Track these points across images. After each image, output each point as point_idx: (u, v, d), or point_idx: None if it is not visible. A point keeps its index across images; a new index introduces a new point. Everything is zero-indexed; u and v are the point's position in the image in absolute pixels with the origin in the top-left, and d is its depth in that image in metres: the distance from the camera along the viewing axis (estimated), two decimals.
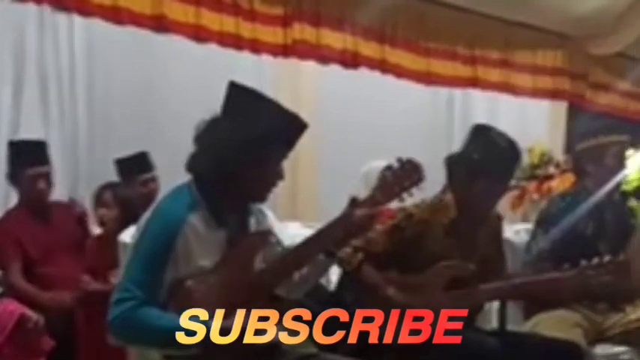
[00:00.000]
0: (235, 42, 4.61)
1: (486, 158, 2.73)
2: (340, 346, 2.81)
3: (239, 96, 2.18)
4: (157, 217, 2.12)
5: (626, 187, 3.80)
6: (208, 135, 2.16)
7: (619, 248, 3.10)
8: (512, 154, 2.81)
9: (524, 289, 2.80)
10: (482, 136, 2.81)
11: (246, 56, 4.82)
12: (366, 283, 2.72)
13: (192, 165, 2.18)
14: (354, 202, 2.28)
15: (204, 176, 2.17)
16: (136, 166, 4.16)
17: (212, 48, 4.61)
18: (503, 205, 5.79)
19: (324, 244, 2.27)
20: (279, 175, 2.23)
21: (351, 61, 5.15)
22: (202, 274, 2.13)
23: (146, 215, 2.15)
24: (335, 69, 5.15)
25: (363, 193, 2.40)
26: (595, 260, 2.62)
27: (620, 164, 3.21)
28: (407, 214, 2.77)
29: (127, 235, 2.73)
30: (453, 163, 2.87)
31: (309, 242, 2.25)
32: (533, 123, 6.47)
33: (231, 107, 2.17)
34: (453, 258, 2.72)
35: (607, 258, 2.62)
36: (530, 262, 3.17)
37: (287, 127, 2.19)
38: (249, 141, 2.11)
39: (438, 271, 2.68)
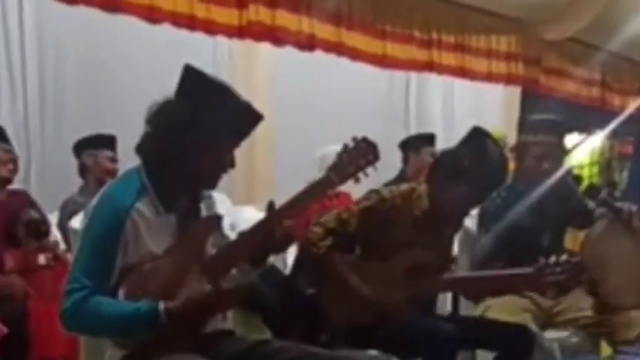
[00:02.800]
0: (189, 22, 4.54)
1: (474, 166, 2.66)
2: (293, 331, 2.82)
3: (194, 80, 2.13)
4: (105, 203, 2.08)
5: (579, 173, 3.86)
6: (160, 117, 2.11)
7: (560, 239, 3.17)
8: (501, 168, 2.76)
9: (482, 283, 2.84)
10: (477, 141, 2.75)
11: (201, 37, 4.77)
12: (331, 270, 2.72)
13: (142, 147, 2.14)
14: (271, 207, 2.25)
15: (154, 160, 2.12)
16: (101, 143, 4.09)
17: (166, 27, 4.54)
18: None
19: (244, 253, 2.25)
20: (230, 163, 2.20)
21: (306, 43, 5.12)
22: (153, 259, 2.10)
23: (94, 201, 2.10)
24: (291, 52, 5.12)
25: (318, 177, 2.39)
26: (552, 259, 2.63)
27: (542, 163, 3.23)
28: (381, 197, 2.75)
29: (77, 221, 2.68)
30: (439, 158, 2.85)
31: (264, 223, 2.23)
32: (488, 108, 6.54)
33: (185, 91, 2.13)
34: (416, 249, 2.72)
35: (563, 257, 2.63)
36: (479, 262, 3.19)
37: (241, 117, 2.16)
38: (201, 127, 2.08)
39: (400, 260, 2.70)
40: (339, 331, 2.73)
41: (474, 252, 3.26)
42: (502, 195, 3.27)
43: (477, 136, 2.79)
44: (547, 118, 3.43)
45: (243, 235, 2.23)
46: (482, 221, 3.28)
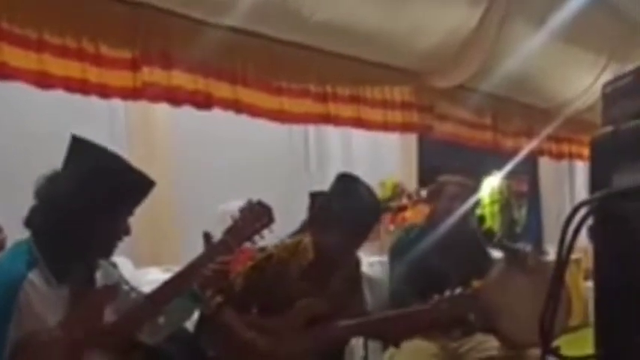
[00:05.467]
0: (82, 87, 4.48)
1: (343, 211, 2.74)
2: None
3: (81, 150, 2.12)
4: None
5: (481, 212, 3.98)
6: (48, 190, 2.08)
7: (471, 277, 3.25)
8: (373, 210, 2.85)
9: (381, 324, 2.86)
10: (344, 186, 2.82)
11: (98, 100, 4.72)
12: (224, 327, 2.69)
13: (31, 221, 2.10)
14: (207, 238, 2.29)
15: (43, 231, 2.09)
16: None
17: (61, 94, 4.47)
18: None
19: (180, 288, 2.25)
20: (124, 231, 2.18)
21: (203, 102, 5.11)
22: (48, 331, 2.04)
23: None
24: (188, 109, 5.12)
25: (220, 234, 2.41)
26: (447, 293, 2.70)
27: (455, 203, 3.34)
28: (267, 255, 2.79)
29: None
30: (315, 206, 2.89)
31: (166, 287, 2.23)
32: (386, 155, 6.70)
33: (72, 161, 2.11)
34: (305, 302, 2.73)
35: (458, 291, 2.71)
36: (393, 296, 3.24)
37: (132, 186, 2.15)
38: (90, 198, 2.06)
39: (296, 311, 2.70)
40: None
41: (384, 296, 3.31)
42: (411, 235, 3.34)
43: (343, 181, 2.86)
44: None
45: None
46: (392, 258, 3.34)
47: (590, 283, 4.31)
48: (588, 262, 3.33)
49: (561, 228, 1.36)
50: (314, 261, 2.82)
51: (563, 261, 1.35)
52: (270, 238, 2.72)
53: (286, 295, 2.74)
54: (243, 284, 2.76)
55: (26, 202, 2.14)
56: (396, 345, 2.96)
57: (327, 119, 6.00)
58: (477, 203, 3.56)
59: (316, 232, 2.83)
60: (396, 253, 3.33)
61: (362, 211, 2.77)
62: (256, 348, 2.65)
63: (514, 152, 7.66)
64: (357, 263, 3.08)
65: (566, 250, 1.34)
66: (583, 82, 7.31)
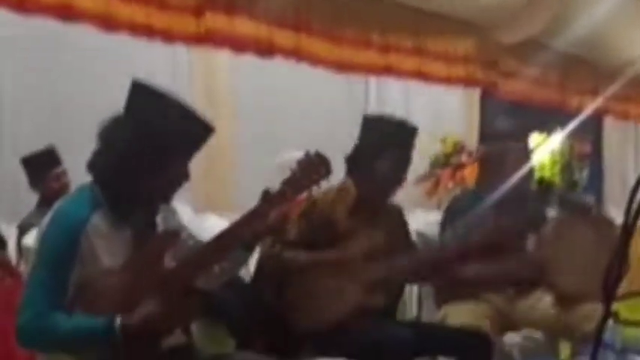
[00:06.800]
0: (147, 31, 4.51)
1: (380, 141, 2.87)
2: (258, 341, 2.82)
3: (142, 95, 2.12)
4: (58, 218, 2.06)
5: (541, 174, 3.91)
6: (111, 133, 2.11)
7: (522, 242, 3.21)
8: (405, 132, 2.94)
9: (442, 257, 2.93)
10: (374, 122, 2.98)
11: (159, 50, 4.75)
12: (292, 264, 2.75)
13: (93, 164, 2.13)
14: (266, 195, 2.29)
15: (106, 176, 2.12)
16: (44, 161, 4.06)
17: (124, 41, 4.51)
18: (418, 193, 5.92)
19: (238, 238, 2.27)
20: (184, 176, 2.20)
21: (265, 49, 5.12)
22: (109, 274, 2.08)
23: (47, 217, 2.08)
24: (250, 60, 5.12)
25: (278, 185, 2.42)
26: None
27: (519, 169, 3.28)
28: (312, 202, 2.82)
29: (30, 238, 2.65)
30: (352, 150, 2.95)
31: (224, 236, 2.24)
32: (447, 112, 6.60)
33: (133, 106, 2.12)
34: (359, 237, 2.78)
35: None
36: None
37: (191, 130, 2.15)
38: (151, 142, 2.07)
39: (354, 245, 2.75)
40: (303, 339, 2.74)
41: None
42: (467, 197, 3.32)
43: (371, 119, 3.03)
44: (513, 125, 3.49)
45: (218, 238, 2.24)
46: (446, 221, 3.31)
47: None
48: None
49: (630, 191, 1.30)
50: (358, 199, 2.88)
51: (631, 222, 1.29)
52: None
53: (336, 237, 2.79)
54: (295, 232, 2.79)
55: (90, 146, 2.17)
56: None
57: (388, 71, 5.94)
58: (536, 166, 3.49)
59: (356, 171, 2.92)
60: (450, 214, 3.30)
61: (392, 135, 2.88)
62: (321, 280, 2.70)
63: (579, 112, 7.47)
64: (399, 211, 3.12)
65: (632, 216, 1.29)
66: None
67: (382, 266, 2.80)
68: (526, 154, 3.35)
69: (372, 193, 2.93)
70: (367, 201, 2.91)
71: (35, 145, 4.19)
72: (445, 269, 2.95)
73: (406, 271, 2.93)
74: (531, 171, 3.41)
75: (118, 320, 1.96)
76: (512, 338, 3.18)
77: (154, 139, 2.07)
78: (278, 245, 2.74)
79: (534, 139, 6.97)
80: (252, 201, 2.34)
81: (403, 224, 3.13)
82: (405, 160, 2.97)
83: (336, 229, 2.83)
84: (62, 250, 2.02)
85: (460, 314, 3.09)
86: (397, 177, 2.97)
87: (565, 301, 3.13)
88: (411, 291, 3.89)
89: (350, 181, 2.93)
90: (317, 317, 2.72)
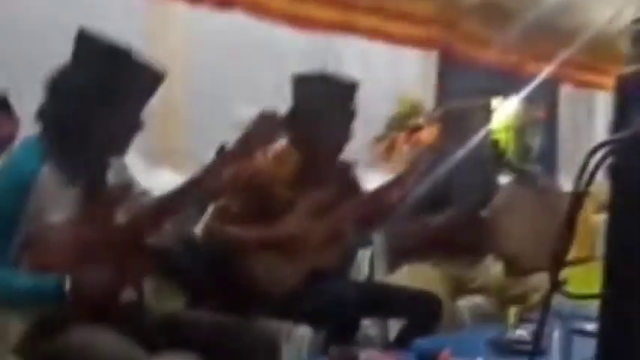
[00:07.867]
0: None
1: (318, 101, 2.81)
2: (208, 301, 2.81)
3: (89, 44, 2.06)
4: (5, 172, 2.01)
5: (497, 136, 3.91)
6: (59, 83, 2.04)
7: (477, 205, 3.24)
8: (343, 88, 2.88)
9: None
10: (309, 81, 2.90)
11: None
12: (235, 241, 2.71)
13: (42, 115, 2.07)
14: (221, 152, 2.27)
15: (55, 127, 2.06)
16: None
17: None
18: (373, 156, 5.91)
19: (192, 194, 2.25)
20: (136, 126, 2.15)
21: (225, 2, 5.01)
22: (58, 230, 2.04)
23: None
24: (209, 13, 5.00)
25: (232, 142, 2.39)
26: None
27: (480, 129, 3.28)
28: (254, 170, 2.76)
29: None
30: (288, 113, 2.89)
31: (177, 192, 2.22)
32: (405, 73, 6.57)
33: (81, 56, 2.06)
34: (304, 202, 2.76)
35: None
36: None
37: (142, 77, 2.10)
38: (100, 91, 2.02)
39: (299, 208, 2.72)
40: (253, 299, 2.74)
41: None
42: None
43: (301, 79, 2.93)
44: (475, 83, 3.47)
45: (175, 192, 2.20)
46: None
47: (600, 217, 4.29)
48: (601, 195, 3.29)
49: (580, 165, 1.30)
50: (301, 163, 2.84)
51: (580, 196, 1.30)
52: None
53: (278, 207, 2.75)
54: (237, 204, 2.74)
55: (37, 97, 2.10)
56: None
57: (347, 28, 5.87)
58: (491, 129, 3.49)
59: (297, 131, 2.82)
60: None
61: (328, 93, 2.82)
62: (266, 252, 2.68)
63: (535, 77, 7.50)
64: (349, 168, 3.07)
65: (584, 185, 1.30)
66: (614, 3, 7.09)
67: (329, 222, 2.76)
68: (488, 113, 3.35)
69: (317, 155, 2.86)
70: (312, 163, 2.84)
71: None
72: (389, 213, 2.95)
73: (353, 219, 2.89)
74: (489, 133, 3.41)
75: (68, 280, 1.92)
76: (467, 301, 3.23)
77: (104, 88, 2.02)
78: (217, 221, 2.69)
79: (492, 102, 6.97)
80: (205, 159, 2.31)
81: (354, 181, 3.08)
82: (347, 117, 2.90)
83: (279, 199, 2.78)
84: (8, 205, 1.97)
85: (413, 277, 3.11)
86: (341, 135, 2.91)
87: (514, 270, 3.18)
88: (364, 253, 3.91)
89: (288, 145, 2.86)
90: (265, 283, 2.71)
